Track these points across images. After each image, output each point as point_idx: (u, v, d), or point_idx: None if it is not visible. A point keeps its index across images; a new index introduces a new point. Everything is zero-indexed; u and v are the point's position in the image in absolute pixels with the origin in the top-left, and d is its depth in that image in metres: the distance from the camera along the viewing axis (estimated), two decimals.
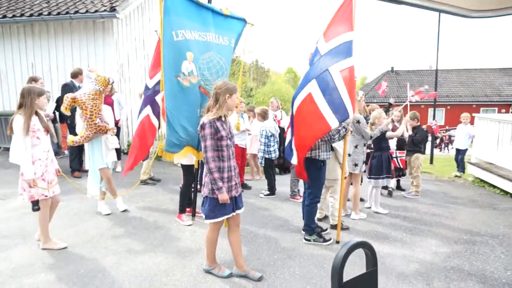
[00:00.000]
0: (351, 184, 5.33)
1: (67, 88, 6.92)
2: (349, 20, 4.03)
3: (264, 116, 6.59)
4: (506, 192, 6.79)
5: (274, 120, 7.33)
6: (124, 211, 5.22)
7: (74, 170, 7.23)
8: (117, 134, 6.86)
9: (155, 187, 6.71)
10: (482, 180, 7.75)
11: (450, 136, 17.84)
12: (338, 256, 1.19)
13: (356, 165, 5.08)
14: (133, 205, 5.53)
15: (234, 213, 3.26)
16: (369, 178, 5.58)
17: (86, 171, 7.16)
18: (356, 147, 5.06)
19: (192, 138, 4.38)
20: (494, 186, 7.21)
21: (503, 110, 29.07)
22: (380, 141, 5.43)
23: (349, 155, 5.07)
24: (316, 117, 3.87)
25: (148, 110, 5.08)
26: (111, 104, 7.68)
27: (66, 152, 8.78)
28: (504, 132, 7.31)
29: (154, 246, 4.09)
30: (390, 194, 6.49)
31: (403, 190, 6.91)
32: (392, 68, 35.21)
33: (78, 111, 4.82)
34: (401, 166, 6.22)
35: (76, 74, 7.28)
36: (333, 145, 4.45)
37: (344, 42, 4.00)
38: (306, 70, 4.18)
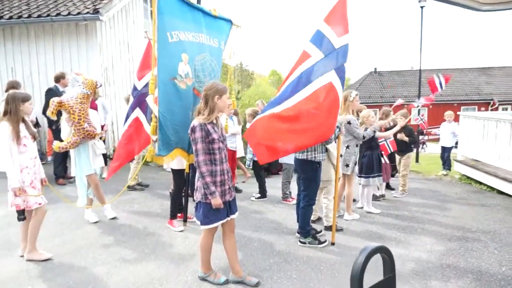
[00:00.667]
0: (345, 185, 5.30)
1: (51, 92, 6.71)
2: (345, 21, 3.98)
3: (255, 117, 6.49)
4: (493, 188, 6.90)
5: None
6: (113, 218, 5.05)
7: (58, 177, 7.00)
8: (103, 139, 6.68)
9: (144, 193, 6.54)
10: (468, 177, 7.86)
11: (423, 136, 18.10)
12: (358, 263, 1.12)
13: (347, 165, 5.05)
14: (121, 212, 5.36)
15: (229, 218, 3.16)
16: (359, 176, 5.57)
17: (70, 178, 6.98)
18: (347, 147, 5.03)
19: (182, 140, 4.26)
20: (481, 183, 7.31)
21: (483, 108, 29.83)
22: (370, 140, 5.40)
23: (341, 155, 5.03)
24: (336, 110, 3.81)
25: (137, 112, 4.94)
26: (95, 108, 7.48)
27: (50, 158, 8.51)
28: (488, 130, 7.43)
29: (145, 254, 3.95)
30: (380, 196, 6.41)
31: (393, 189, 6.93)
32: (375, 69, 35.67)
33: (64, 116, 4.64)
34: (392, 150, 6.20)
35: (58, 78, 7.06)
36: (327, 146, 4.41)
37: (344, 44, 3.95)
38: (315, 54, 3.92)
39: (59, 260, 3.76)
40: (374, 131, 5.16)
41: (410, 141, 6.60)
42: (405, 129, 6.57)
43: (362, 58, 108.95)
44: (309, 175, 4.08)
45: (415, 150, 11.14)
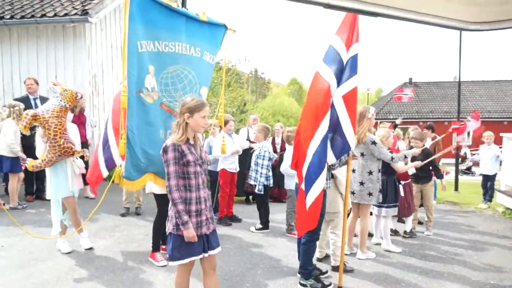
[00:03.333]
0: (359, 217, 5.24)
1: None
2: (355, 29, 4.03)
3: (266, 134, 6.53)
4: None
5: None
6: (89, 249, 5.10)
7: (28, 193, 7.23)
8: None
9: (128, 219, 6.60)
10: None
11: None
12: None
13: (370, 194, 4.98)
14: (100, 241, 5.42)
15: (206, 254, 3.15)
16: (373, 205, 5.55)
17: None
18: (370, 173, 4.97)
19: (154, 163, 4.30)
20: None
21: None
22: (387, 164, 5.33)
23: (362, 183, 4.99)
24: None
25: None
26: (84, 123, 7.72)
27: None
28: None
29: None
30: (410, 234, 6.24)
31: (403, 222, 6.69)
32: (411, 79, 35.55)
33: (39, 131, 4.78)
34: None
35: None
36: (334, 172, 4.40)
37: (352, 55, 4.00)
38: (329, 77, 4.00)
39: None
40: (405, 156, 5.17)
41: (430, 164, 6.34)
42: (426, 152, 6.36)
43: (396, 66, 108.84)
44: None
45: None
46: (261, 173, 6.31)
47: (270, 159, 6.37)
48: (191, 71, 4.56)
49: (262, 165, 6.32)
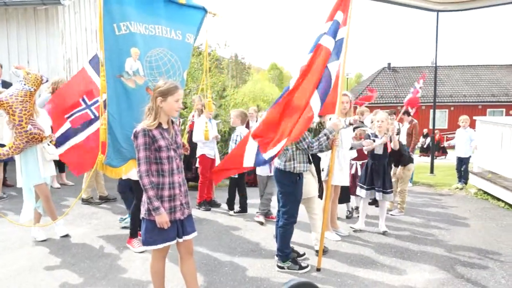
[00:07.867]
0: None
1: None
2: (345, 12, 4.05)
3: (243, 120, 6.55)
4: (511, 206, 6.93)
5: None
6: (65, 236, 5.03)
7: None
8: None
9: (106, 206, 6.51)
10: (485, 192, 7.89)
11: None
12: None
13: (322, 170, 5.20)
14: (76, 229, 5.34)
15: (181, 240, 3.15)
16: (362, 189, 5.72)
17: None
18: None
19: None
20: (499, 199, 7.34)
21: None
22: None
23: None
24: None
25: None
26: None
27: None
28: (508, 138, 7.46)
29: (96, 278, 3.94)
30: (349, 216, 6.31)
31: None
32: (389, 64, 35.89)
33: (5, 117, 4.62)
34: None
35: None
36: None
37: (339, 39, 4.03)
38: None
39: None
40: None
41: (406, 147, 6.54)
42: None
43: (375, 51, 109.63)
44: (288, 189, 4.09)
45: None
46: None
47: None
48: (173, 54, 4.47)
49: (231, 148, 6.36)
